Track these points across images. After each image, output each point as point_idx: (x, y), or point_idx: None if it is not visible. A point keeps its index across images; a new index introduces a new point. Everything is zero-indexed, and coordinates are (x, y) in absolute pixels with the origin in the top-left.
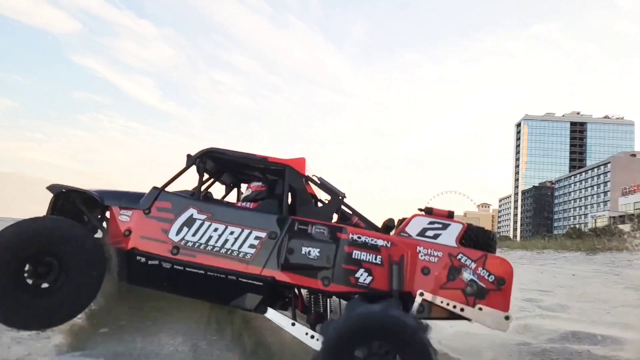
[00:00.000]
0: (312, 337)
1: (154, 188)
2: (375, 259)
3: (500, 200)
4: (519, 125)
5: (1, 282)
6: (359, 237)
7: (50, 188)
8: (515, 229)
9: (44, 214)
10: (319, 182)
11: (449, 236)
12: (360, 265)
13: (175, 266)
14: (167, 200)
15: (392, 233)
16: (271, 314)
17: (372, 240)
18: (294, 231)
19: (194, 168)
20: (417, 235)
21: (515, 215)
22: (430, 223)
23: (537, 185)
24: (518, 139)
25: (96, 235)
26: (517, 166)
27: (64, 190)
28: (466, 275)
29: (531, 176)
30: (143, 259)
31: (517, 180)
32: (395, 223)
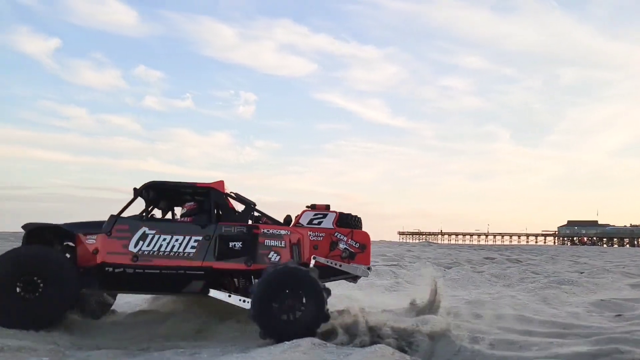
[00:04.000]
0: (244, 301)
1: (112, 216)
2: (281, 243)
3: None
4: None
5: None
6: (268, 231)
7: (25, 227)
8: None
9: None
10: (235, 197)
11: (328, 222)
12: (271, 249)
13: (136, 270)
14: (124, 224)
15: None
16: (213, 292)
17: (277, 231)
18: (222, 232)
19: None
20: (307, 224)
21: None
22: (315, 215)
23: None
24: None
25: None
26: None
27: (38, 227)
28: (341, 246)
29: None
30: (111, 269)
31: None
32: (292, 218)
